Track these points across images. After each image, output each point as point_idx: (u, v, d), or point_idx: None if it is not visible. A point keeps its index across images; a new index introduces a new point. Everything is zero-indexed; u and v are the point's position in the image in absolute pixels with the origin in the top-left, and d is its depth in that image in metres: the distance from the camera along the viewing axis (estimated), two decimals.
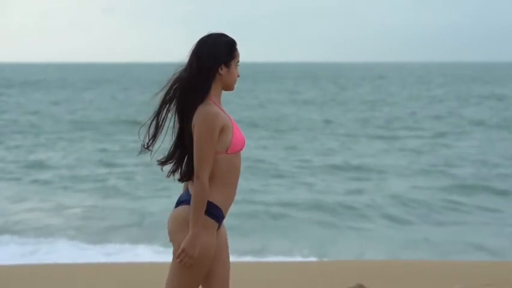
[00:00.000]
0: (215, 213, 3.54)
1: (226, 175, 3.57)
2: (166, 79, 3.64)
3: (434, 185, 18.11)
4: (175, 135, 3.65)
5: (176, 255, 3.50)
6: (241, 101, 52.13)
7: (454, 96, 60.06)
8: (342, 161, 22.21)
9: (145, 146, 3.69)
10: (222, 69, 3.61)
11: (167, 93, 3.64)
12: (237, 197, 3.73)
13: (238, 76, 3.69)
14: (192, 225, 3.46)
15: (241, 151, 3.63)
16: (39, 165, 21.71)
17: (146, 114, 3.70)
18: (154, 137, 3.68)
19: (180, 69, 3.64)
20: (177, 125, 3.64)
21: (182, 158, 3.66)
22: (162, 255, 10.72)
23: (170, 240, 3.59)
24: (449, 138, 29.20)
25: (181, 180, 3.68)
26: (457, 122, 36.79)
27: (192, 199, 3.49)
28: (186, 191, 3.63)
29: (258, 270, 8.45)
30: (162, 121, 3.67)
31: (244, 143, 3.65)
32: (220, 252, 3.66)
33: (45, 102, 52.76)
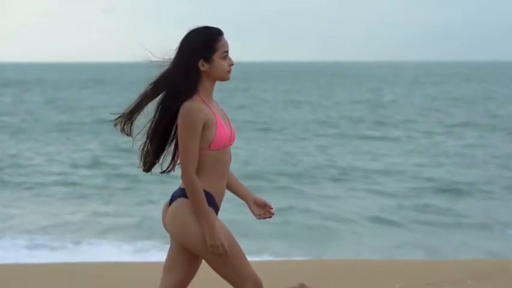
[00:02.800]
0: (208, 198, 3.55)
1: (212, 169, 3.58)
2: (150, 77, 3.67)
3: (423, 186, 18.14)
4: (157, 131, 3.65)
5: (212, 253, 3.50)
6: (235, 101, 52.15)
7: (449, 95, 60.11)
8: (331, 162, 22.20)
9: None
10: (203, 65, 3.58)
11: (152, 90, 3.66)
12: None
13: (231, 65, 3.64)
14: (201, 218, 3.49)
15: (227, 147, 3.63)
16: (29, 166, 21.67)
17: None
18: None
19: (165, 67, 3.65)
20: (160, 122, 3.63)
21: (156, 151, 3.68)
22: (159, 255, 10.78)
23: (185, 243, 3.58)
24: (440, 138, 29.24)
25: (146, 171, 3.70)
26: (448, 120, 36.88)
27: (189, 197, 3.51)
28: (179, 187, 3.65)
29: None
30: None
31: (229, 139, 3.63)
32: (232, 239, 3.62)
33: (39, 102, 52.78)
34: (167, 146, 3.72)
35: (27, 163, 22.43)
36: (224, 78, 3.65)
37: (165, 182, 17.98)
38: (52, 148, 26.29)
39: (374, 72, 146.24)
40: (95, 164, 22.30)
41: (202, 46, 3.58)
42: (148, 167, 3.70)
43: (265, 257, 10.71)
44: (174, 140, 3.70)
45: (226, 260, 3.53)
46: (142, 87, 3.69)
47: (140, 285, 7.61)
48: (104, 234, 12.86)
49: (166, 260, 3.71)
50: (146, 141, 3.68)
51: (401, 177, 19.52)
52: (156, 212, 14.37)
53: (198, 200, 3.50)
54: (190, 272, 3.68)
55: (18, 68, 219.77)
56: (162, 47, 3.66)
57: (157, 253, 11.15)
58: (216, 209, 3.62)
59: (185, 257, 3.66)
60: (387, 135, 30.35)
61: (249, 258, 3.60)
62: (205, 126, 3.54)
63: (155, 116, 3.65)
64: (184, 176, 3.52)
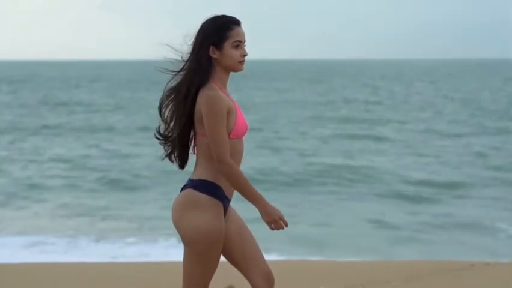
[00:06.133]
0: (216, 192, 3.53)
1: None
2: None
3: (417, 185, 18.22)
4: (179, 122, 3.61)
5: (273, 229, 3.50)
6: None
7: (446, 93, 60.27)
8: (323, 162, 22.17)
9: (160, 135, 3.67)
10: (214, 52, 3.56)
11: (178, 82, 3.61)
12: None
13: (244, 55, 3.59)
14: (254, 202, 3.48)
15: (243, 136, 3.61)
16: (25, 166, 21.66)
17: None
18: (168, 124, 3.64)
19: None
20: (183, 115, 3.60)
21: (182, 144, 3.65)
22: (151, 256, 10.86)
23: (178, 229, 3.57)
24: (431, 137, 29.37)
25: (182, 167, 3.69)
26: (442, 119, 37.04)
27: (233, 184, 3.49)
28: (189, 179, 3.61)
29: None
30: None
31: (246, 128, 3.62)
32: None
33: (35, 100, 52.76)
34: (192, 137, 3.67)
35: (22, 162, 22.41)
36: (235, 68, 3.61)
37: (162, 183, 18.06)
38: (47, 148, 26.23)
39: (373, 70, 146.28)
40: (93, 162, 22.30)
41: (213, 33, 3.55)
42: (181, 163, 3.69)
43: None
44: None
45: (200, 260, 3.53)
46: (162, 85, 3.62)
47: (138, 285, 7.67)
48: (103, 233, 12.83)
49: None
50: (175, 137, 3.64)
51: (395, 177, 19.56)
52: (155, 212, 14.42)
53: (243, 184, 3.48)
54: (253, 251, 3.66)
55: (11, 66, 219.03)
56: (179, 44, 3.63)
57: (155, 252, 11.19)
58: (227, 201, 3.61)
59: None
60: (380, 134, 30.34)
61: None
62: (227, 114, 3.51)
63: (178, 109, 3.61)
64: (221, 164, 3.47)
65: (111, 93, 63.69)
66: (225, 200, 3.58)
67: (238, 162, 3.60)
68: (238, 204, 3.76)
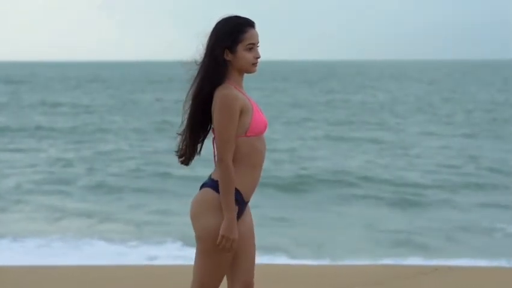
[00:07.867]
0: (236, 196, 3.54)
1: (247, 158, 3.57)
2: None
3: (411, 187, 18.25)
4: (194, 122, 3.67)
5: (217, 242, 3.52)
6: None
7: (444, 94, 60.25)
8: (317, 166, 22.07)
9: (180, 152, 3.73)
10: (227, 55, 3.58)
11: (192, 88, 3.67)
12: None
13: (257, 58, 3.62)
14: (225, 209, 3.49)
15: (262, 134, 3.63)
16: (21, 167, 21.61)
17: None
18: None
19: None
20: (195, 113, 3.66)
21: (191, 143, 3.70)
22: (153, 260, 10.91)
23: (192, 226, 3.62)
24: (424, 138, 29.37)
25: (183, 162, 3.74)
26: (437, 120, 37.04)
27: (219, 184, 3.52)
28: (209, 176, 3.66)
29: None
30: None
31: (265, 126, 3.64)
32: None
33: (33, 101, 52.63)
34: (204, 137, 3.74)
35: (19, 163, 22.40)
36: (248, 70, 3.64)
37: (161, 184, 18.05)
38: (44, 149, 26.14)
39: (373, 71, 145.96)
40: (90, 164, 22.27)
41: (227, 36, 3.57)
42: (185, 160, 3.75)
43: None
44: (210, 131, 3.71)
45: (208, 260, 3.58)
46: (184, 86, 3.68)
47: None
48: (104, 235, 12.82)
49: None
50: (184, 135, 3.70)
51: (392, 178, 19.57)
52: (156, 214, 14.40)
53: (228, 191, 3.49)
54: (244, 264, 3.72)
55: (11, 66, 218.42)
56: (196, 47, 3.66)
57: (159, 255, 11.22)
58: (244, 204, 3.65)
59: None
60: (378, 136, 30.27)
61: None
62: (242, 113, 3.53)
63: (190, 108, 3.68)
64: (220, 164, 3.52)
65: (109, 94, 63.54)
66: (241, 203, 3.62)
67: (260, 161, 3.66)
68: None
